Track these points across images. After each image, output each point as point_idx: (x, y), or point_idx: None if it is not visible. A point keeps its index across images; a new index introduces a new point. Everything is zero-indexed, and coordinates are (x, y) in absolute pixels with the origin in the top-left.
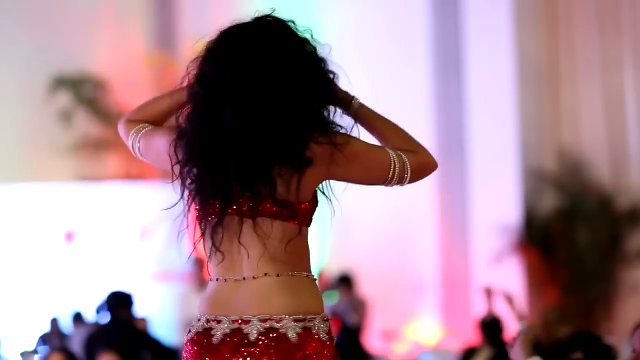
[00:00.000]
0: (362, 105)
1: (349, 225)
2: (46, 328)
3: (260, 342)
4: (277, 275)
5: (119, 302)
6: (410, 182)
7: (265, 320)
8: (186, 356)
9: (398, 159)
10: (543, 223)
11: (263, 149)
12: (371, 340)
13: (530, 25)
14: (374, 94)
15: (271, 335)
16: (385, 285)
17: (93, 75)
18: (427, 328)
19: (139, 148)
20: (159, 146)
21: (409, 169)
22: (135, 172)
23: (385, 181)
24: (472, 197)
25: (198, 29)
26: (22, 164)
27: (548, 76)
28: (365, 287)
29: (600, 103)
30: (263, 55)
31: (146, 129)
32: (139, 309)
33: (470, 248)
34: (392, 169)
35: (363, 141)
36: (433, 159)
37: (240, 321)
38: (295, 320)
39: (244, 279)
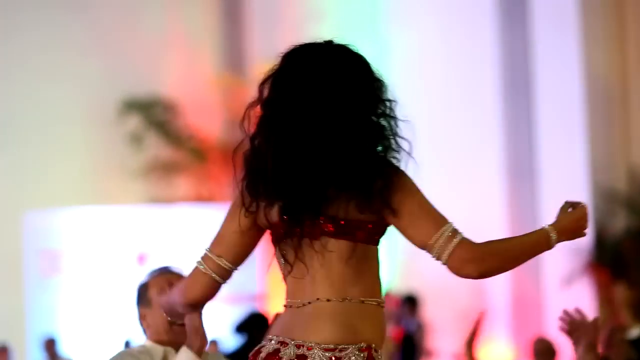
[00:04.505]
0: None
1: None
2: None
3: None
4: (328, 300)
5: (256, 324)
6: (447, 264)
7: (299, 347)
8: None
9: (450, 233)
10: (614, 244)
11: (322, 171)
12: None
13: (598, 44)
14: (445, 117)
15: None
16: (456, 307)
17: (163, 98)
18: (498, 351)
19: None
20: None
21: (451, 248)
22: (205, 194)
23: (426, 245)
24: (543, 217)
25: (267, 51)
26: (93, 186)
27: (617, 95)
28: (436, 309)
29: None
30: (330, 82)
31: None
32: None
33: (541, 270)
34: (438, 235)
35: (421, 194)
36: (475, 269)
37: (282, 343)
38: (325, 350)
39: (303, 304)
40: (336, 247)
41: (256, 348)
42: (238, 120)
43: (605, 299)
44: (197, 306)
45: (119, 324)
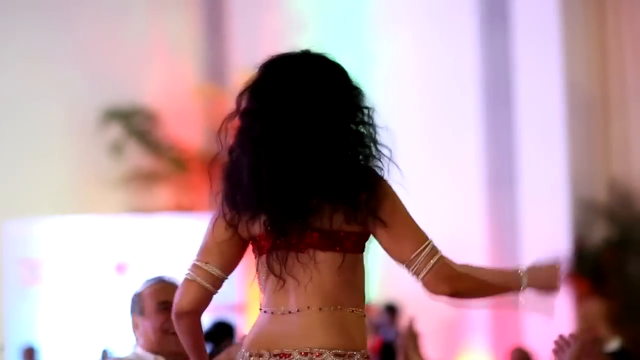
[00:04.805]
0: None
1: None
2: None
3: None
4: (320, 309)
5: (222, 332)
6: (423, 280)
7: (305, 354)
8: None
9: (430, 251)
10: (593, 254)
11: (304, 182)
12: None
13: (579, 54)
14: (426, 126)
15: None
16: (435, 316)
17: (144, 107)
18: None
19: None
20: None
21: (430, 265)
22: (186, 204)
23: (405, 261)
24: (522, 228)
25: (249, 61)
26: (73, 195)
27: (598, 106)
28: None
29: None
30: (308, 92)
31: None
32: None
33: None
34: (418, 252)
35: (404, 207)
36: (449, 287)
37: (281, 355)
38: (336, 355)
39: (289, 312)
40: (323, 258)
41: None
42: (219, 130)
43: (584, 310)
44: (187, 316)
45: (98, 333)
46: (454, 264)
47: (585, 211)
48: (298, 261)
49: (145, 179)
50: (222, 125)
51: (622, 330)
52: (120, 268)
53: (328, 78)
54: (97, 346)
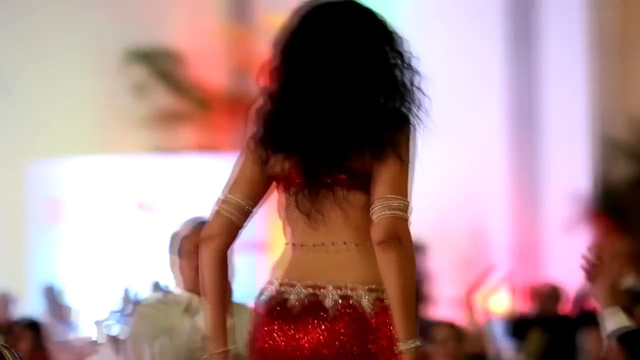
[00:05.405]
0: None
1: (418, 194)
2: (119, 298)
3: (336, 310)
4: (356, 245)
5: None
6: (377, 222)
7: (340, 288)
8: (258, 321)
9: (404, 206)
10: (615, 192)
11: (342, 127)
12: (441, 308)
13: None
14: (447, 66)
15: (346, 303)
16: (456, 253)
17: (168, 47)
18: (497, 296)
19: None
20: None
21: (389, 214)
22: (209, 144)
23: (379, 197)
24: (544, 166)
25: (273, 2)
26: (97, 136)
27: (620, 45)
28: (436, 256)
29: None
30: (345, 39)
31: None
32: None
33: (542, 217)
34: (391, 197)
35: (406, 169)
36: (388, 236)
37: (315, 287)
38: (369, 290)
39: (323, 244)
40: (351, 197)
41: (275, 294)
42: (243, 70)
43: (605, 248)
44: (211, 240)
45: (120, 272)
46: (409, 232)
47: (606, 149)
48: (328, 199)
49: (169, 119)
50: (260, 71)
51: None
52: (144, 208)
53: (364, 25)
54: (118, 284)
